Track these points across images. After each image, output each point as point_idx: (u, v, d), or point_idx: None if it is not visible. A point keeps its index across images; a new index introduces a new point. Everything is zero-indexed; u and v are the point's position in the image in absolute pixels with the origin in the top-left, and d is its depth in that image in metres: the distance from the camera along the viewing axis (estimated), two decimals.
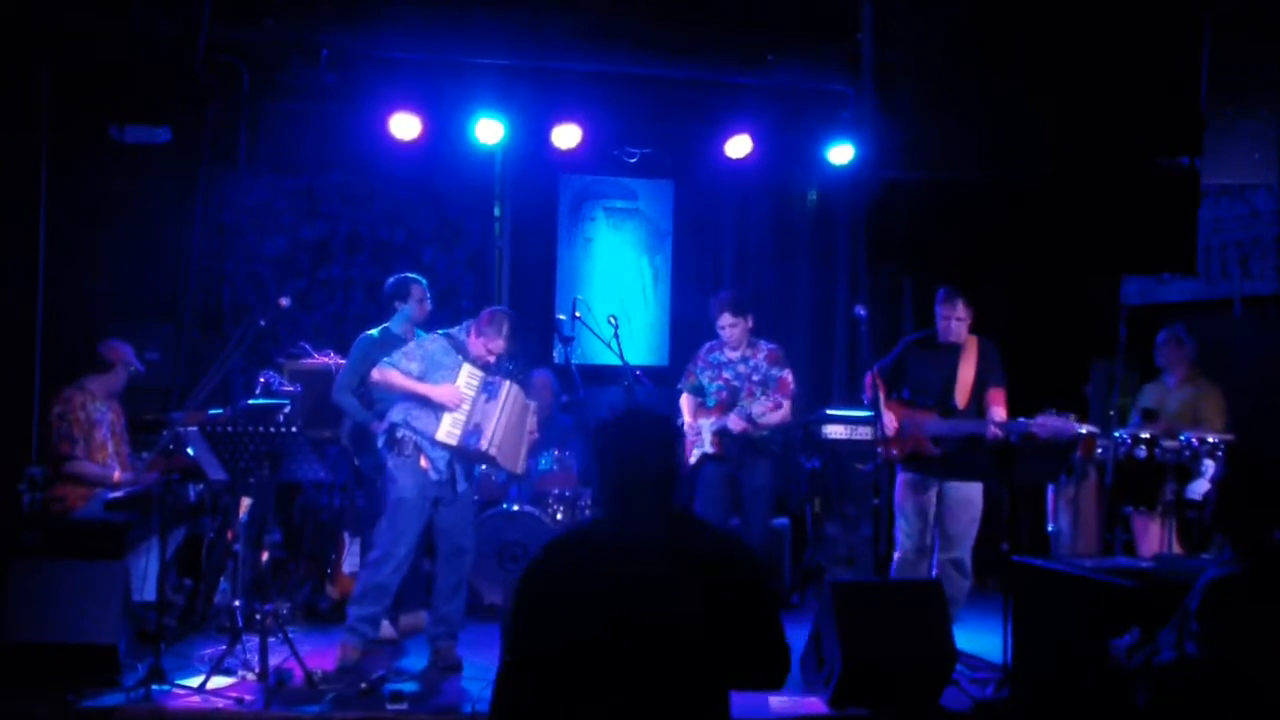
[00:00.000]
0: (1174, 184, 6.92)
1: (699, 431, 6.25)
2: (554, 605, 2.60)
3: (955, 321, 6.07)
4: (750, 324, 6.29)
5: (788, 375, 6.23)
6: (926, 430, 5.96)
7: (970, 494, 6.05)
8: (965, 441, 5.90)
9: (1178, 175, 6.88)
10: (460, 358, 5.63)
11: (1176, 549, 6.00)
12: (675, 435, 2.84)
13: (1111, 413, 6.62)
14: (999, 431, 5.76)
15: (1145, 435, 6.17)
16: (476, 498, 6.79)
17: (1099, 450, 6.40)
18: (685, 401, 6.42)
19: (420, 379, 5.55)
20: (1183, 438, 6.10)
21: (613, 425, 2.87)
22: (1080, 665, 4.53)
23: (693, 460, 6.29)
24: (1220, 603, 3.49)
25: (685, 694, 2.60)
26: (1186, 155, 6.82)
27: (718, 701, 2.67)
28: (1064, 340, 8.14)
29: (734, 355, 6.30)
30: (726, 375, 6.28)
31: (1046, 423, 5.64)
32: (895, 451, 6.09)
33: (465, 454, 5.60)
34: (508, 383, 5.62)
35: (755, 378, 6.22)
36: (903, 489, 6.15)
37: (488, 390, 5.57)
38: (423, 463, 5.57)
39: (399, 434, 5.57)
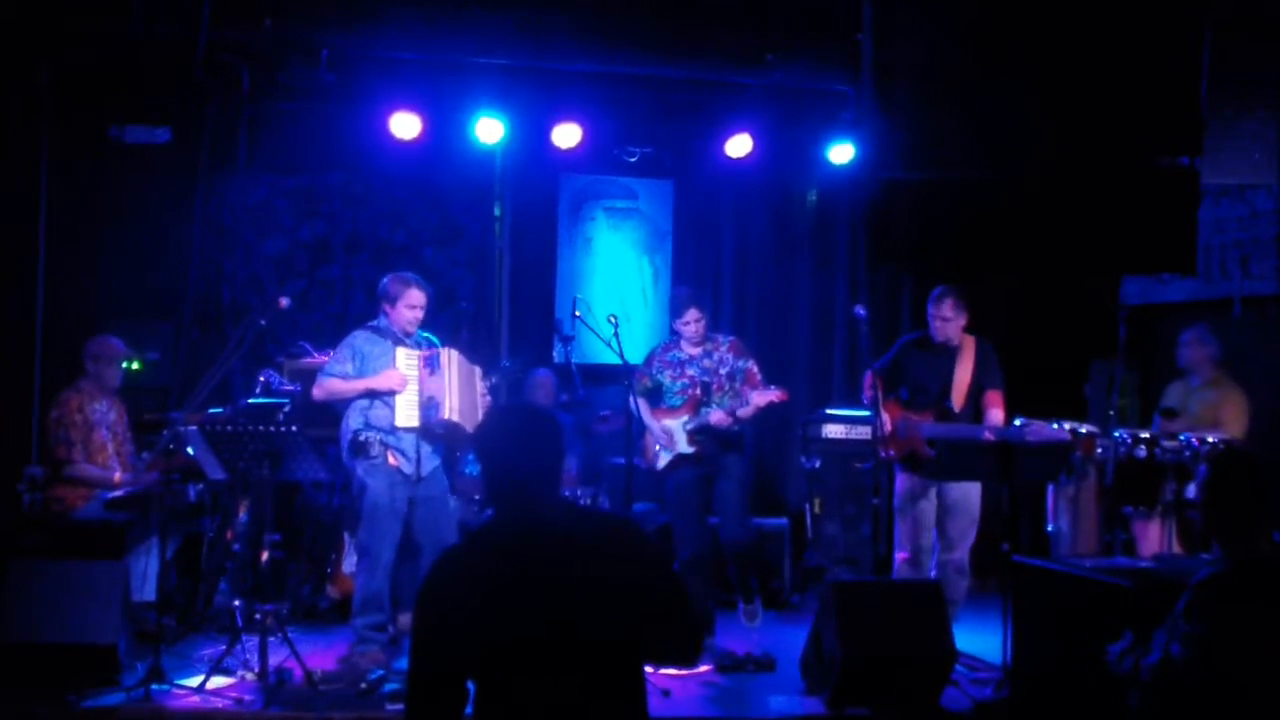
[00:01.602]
0: (1174, 184, 6.92)
1: (671, 433, 6.14)
2: (457, 609, 2.60)
3: (941, 321, 6.09)
4: (708, 321, 6.26)
5: (753, 366, 6.19)
6: (923, 433, 5.97)
7: (969, 495, 6.05)
8: (960, 444, 5.90)
9: (1178, 175, 6.89)
10: (389, 343, 5.66)
11: (1176, 549, 6.00)
12: (557, 429, 2.84)
13: (1111, 413, 6.62)
14: (993, 437, 5.77)
15: (1145, 435, 6.18)
16: (477, 497, 6.82)
17: (1099, 450, 6.39)
18: (641, 406, 6.22)
19: (359, 376, 5.59)
20: (1183, 438, 6.10)
21: (493, 424, 2.90)
22: (1080, 665, 4.53)
23: (663, 463, 6.18)
24: (1205, 603, 3.50)
25: (597, 680, 2.61)
26: (1186, 155, 6.82)
27: (632, 684, 2.68)
28: (1064, 340, 8.14)
29: (695, 351, 6.20)
30: (691, 372, 6.18)
31: (1039, 430, 5.70)
32: (892, 452, 6.10)
33: (430, 432, 5.61)
34: (445, 350, 5.66)
35: (723, 371, 6.16)
36: (902, 491, 6.16)
37: (429, 364, 5.61)
38: (391, 460, 5.59)
39: (362, 438, 5.59)
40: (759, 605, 6.27)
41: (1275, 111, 6.47)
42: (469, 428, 5.53)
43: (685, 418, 6.12)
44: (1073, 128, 6.78)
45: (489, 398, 5.84)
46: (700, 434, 6.10)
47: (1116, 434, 6.25)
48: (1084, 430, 6.47)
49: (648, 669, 2.84)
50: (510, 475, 2.75)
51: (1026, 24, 6.70)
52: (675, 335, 6.28)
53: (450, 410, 5.51)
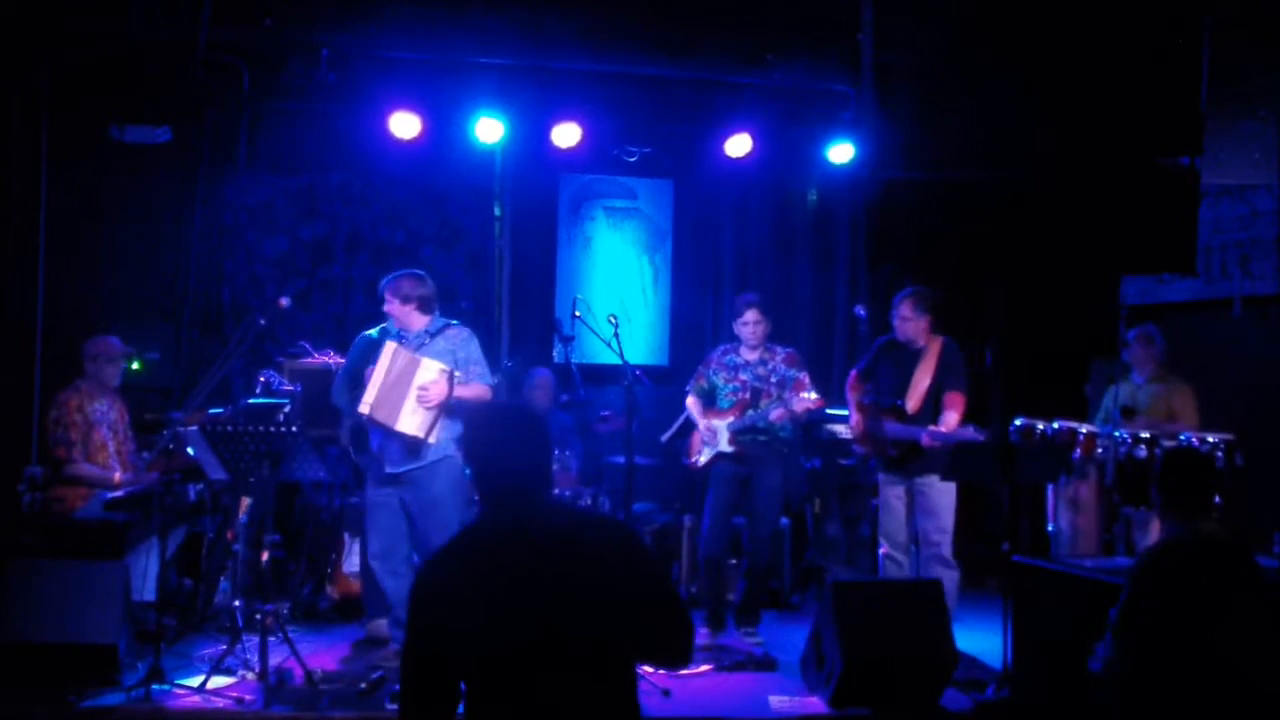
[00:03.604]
0: (1174, 184, 6.92)
1: (715, 432, 6.24)
2: (446, 609, 2.61)
3: (900, 321, 6.21)
4: (768, 328, 6.33)
5: (805, 377, 6.28)
6: (885, 433, 6.09)
7: (941, 490, 6.10)
8: (912, 446, 6.03)
9: (1178, 175, 6.88)
10: (385, 339, 5.63)
11: None
12: (544, 428, 2.84)
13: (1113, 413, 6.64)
14: (931, 440, 5.90)
15: (1145, 435, 6.19)
16: (476, 498, 6.80)
17: (1099, 450, 6.41)
18: (692, 404, 6.44)
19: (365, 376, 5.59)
20: (1183, 437, 6.12)
21: (480, 424, 2.88)
22: (1080, 665, 4.53)
23: (704, 460, 6.30)
24: (1132, 578, 3.77)
25: (587, 680, 2.61)
26: (1186, 155, 6.82)
27: (622, 683, 2.68)
28: (1064, 340, 8.14)
29: (751, 357, 6.32)
30: (744, 377, 6.29)
31: (963, 433, 5.85)
32: (864, 449, 6.33)
33: (374, 424, 5.53)
34: (387, 343, 5.57)
35: (774, 379, 6.25)
36: (880, 488, 6.27)
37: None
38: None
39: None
40: (759, 629, 6.31)
41: (1275, 111, 6.46)
42: (384, 422, 5.43)
43: (731, 419, 6.21)
44: (1073, 128, 6.77)
45: (430, 391, 5.44)
46: (742, 435, 6.19)
47: (1116, 434, 6.26)
48: (1084, 430, 6.49)
49: (647, 669, 2.84)
50: (498, 474, 2.75)
51: (1026, 24, 6.69)
52: (736, 340, 6.40)
53: (364, 404, 5.43)
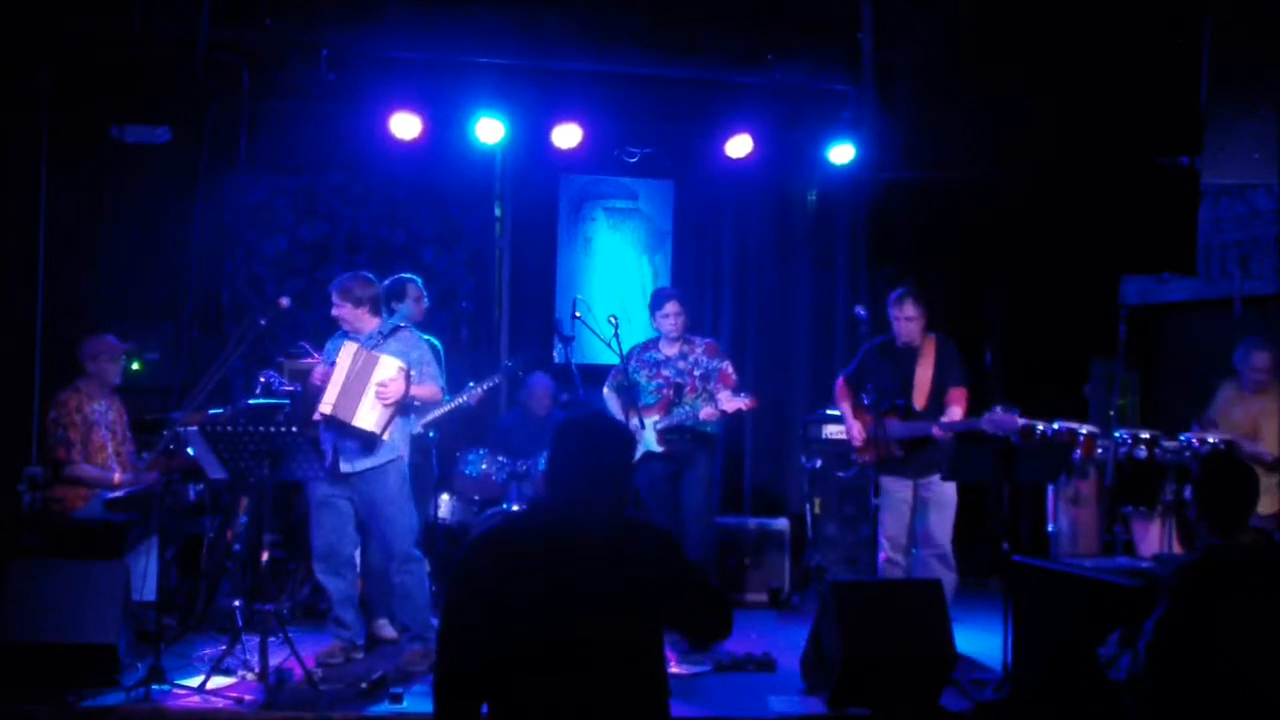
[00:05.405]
0: (1174, 184, 6.92)
1: (640, 430, 6.17)
2: (484, 587, 2.72)
3: (905, 321, 6.14)
4: (688, 321, 6.32)
5: (728, 366, 6.26)
6: (891, 433, 6.06)
7: (945, 490, 6.09)
8: (921, 442, 6.00)
9: (1178, 175, 6.88)
10: (344, 340, 5.64)
11: (1176, 549, 6.01)
12: (614, 446, 2.97)
13: (1111, 413, 6.62)
14: (942, 432, 5.88)
15: (1145, 435, 6.18)
16: (477, 498, 6.82)
17: (1099, 450, 6.40)
18: (609, 396, 6.38)
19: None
20: (1183, 438, 6.11)
21: (579, 420, 3.10)
22: (1080, 665, 4.53)
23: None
24: (1173, 590, 3.67)
25: (610, 678, 2.72)
26: (1186, 155, 6.82)
27: (644, 686, 2.81)
28: (1064, 340, 8.14)
29: (672, 352, 6.29)
30: (666, 373, 6.26)
31: (993, 418, 5.77)
32: (868, 458, 6.21)
33: (331, 424, 5.54)
34: (345, 343, 5.58)
35: (697, 373, 6.24)
36: (880, 491, 6.23)
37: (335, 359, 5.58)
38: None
39: None
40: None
41: (1275, 111, 6.46)
42: (347, 419, 5.42)
43: (657, 417, 6.18)
44: (1073, 127, 6.78)
45: (389, 387, 5.41)
46: (670, 434, 6.18)
47: (1116, 434, 6.25)
48: (1084, 430, 6.48)
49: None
50: (557, 474, 2.90)
51: (1027, 24, 6.70)
52: (656, 335, 6.36)
53: (325, 403, 5.44)
